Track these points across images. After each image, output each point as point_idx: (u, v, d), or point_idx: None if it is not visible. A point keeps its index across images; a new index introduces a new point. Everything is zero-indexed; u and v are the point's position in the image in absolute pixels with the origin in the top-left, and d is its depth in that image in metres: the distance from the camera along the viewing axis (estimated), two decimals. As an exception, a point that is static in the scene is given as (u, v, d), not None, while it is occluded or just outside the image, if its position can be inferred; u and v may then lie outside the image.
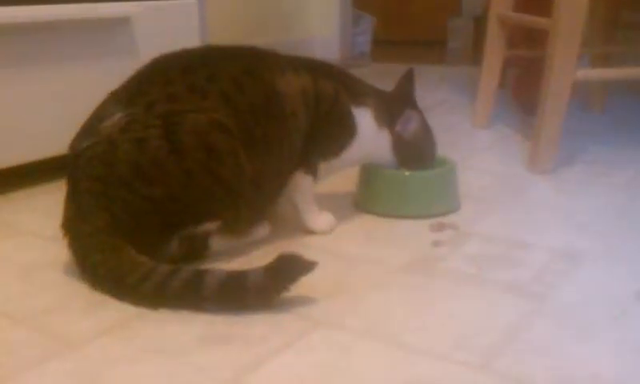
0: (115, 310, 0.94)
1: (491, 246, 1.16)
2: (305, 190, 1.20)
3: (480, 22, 3.35)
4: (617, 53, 2.20)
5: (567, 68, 1.53)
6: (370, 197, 1.34)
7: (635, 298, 0.98)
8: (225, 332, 0.89)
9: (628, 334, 0.89)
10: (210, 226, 1.07)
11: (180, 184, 1.02)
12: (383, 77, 1.56)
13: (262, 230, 1.18)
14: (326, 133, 1.21)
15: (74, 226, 1.03)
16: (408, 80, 1.34)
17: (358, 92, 1.26)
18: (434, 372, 0.80)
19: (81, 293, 0.99)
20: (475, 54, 3.35)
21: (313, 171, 1.20)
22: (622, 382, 0.79)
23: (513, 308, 0.95)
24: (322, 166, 1.23)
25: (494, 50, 1.99)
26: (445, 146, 1.38)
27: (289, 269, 0.93)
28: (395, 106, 1.29)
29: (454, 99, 2.51)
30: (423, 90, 1.35)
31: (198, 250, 1.07)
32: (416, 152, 1.30)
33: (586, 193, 1.45)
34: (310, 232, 1.21)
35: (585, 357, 0.83)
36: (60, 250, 1.05)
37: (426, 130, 1.32)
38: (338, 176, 1.38)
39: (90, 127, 1.05)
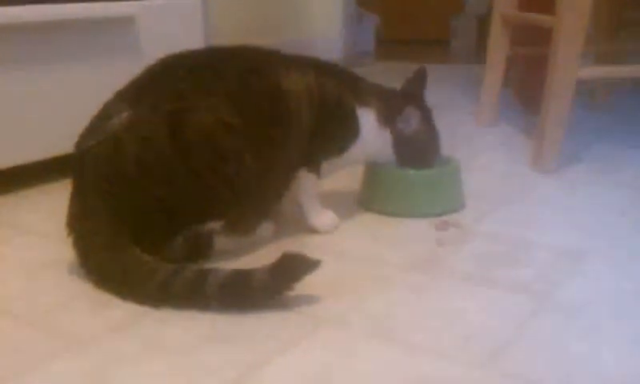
0: (119, 309, 0.94)
1: (495, 245, 1.16)
2: (308, 188, 1.20)
3: (483, 21, 3.35)
4: (620, 51, 2.19)
5: (570, 66, 1.53)
6: (374, 195, 1.34)
7: (638, 297, 0.98)
8: (229, 331, 0.89)
9: (631, 332, 0.89)
10: (215, 225, 1.07)
11: (185, 183, 1.02)
12: (386, 76, 1.56)
13: (266, 229, 1.18)
14: (329, 131, 1.21)
15: (79, 224, 1.03)
16: (418, 78, 1.33)
17: (362, 91, 1.26)
18: (437, 371, 0.80)
19: (85, 292, 1.00)
20: (479, 52, 3.34)
21: (316, 170, 1.20)
22: (625, 380, 0.79)
23: (516, 307, 0.95)
24: (325, 165, 1.23)
25: (498, 49, 1.99)
26: (448, 145, 1.38)
27: (292, 268, 0.93)
28: (398, 104, 1.28)
29: (457, 98, 2.51)
30: (426, 89, 1.34)
31: (202, 249, 1.08)
32: (416, 151, 1.29)
33: (590, 191, 1.45)
34: (313, 231, 1.21)
35: (588, 355, 0.83)
36: (64, 250, 1.05)
37: (428, 129, 1.30)
38: (342, 174, 1.38)
39: (97, 126, 1.05)
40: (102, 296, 0.98)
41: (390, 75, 1.46)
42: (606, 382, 0.78)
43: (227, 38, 1.18)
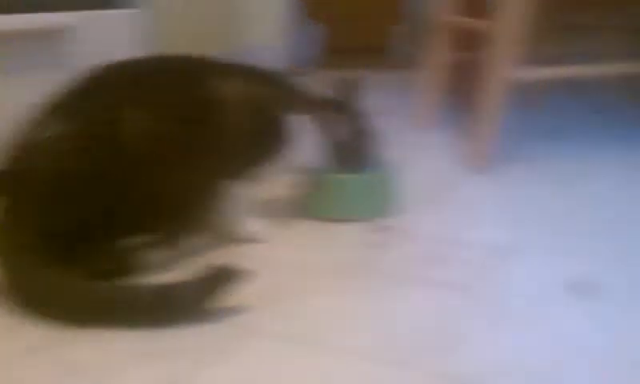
0: (43, 329, 0.91)
1: (428, 246, 1.17)
2: (242, 197, 1.19)
3: (424, 28, 3.39)
4: (558, 54, 2.24)
5: (503, 68, 1.56)
6: (309, 201, 1.34)
7: (564, 290, 1.00)
8: (157, 346, 0.87)
9: (558, 324, 0.91)
10: (146, 237, 1.05)
11: (116, 195, 1.00)
12: (328, 84, 1.56)
13: (199, 241, 1.17)
14: (264, 139, 1.20)
15: (3, 241, 1.00)
16: (349, 85, 1.34)
17: (298, 99, 1.27)
18: (369, 375, 0.80)
19: (5, 312, 0.96)
20: (419, 58, 3.38)
21: (250, 178, 1.20)
22: (552, 371, 0.80)
23: (445, 305, 0.96)
24: (260, 173, 1.22)
25: (437, 54, 2.03)
26: (384, 149, 1.38)
27: (219, 279, 0.92)
28: (329, 111, 1.29)
29: (397, 103, 2.53)
30: (368, 96, 1.35)
31: (130, 263, 1.05)
32: (348, 155, 1.30)
33: (522, 189, 1.48)
34: (246, 240, 1.20)
35: (516, 350, 0.84)
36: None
37: (358, 134, 1.31)
38: (276, 182, 1.37)
39: (27, 140, 1.02)
40: (25, 316, 0.94)
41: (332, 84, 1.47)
42: (536, 375, 0.79)
43: (171, 48, 1.17)
